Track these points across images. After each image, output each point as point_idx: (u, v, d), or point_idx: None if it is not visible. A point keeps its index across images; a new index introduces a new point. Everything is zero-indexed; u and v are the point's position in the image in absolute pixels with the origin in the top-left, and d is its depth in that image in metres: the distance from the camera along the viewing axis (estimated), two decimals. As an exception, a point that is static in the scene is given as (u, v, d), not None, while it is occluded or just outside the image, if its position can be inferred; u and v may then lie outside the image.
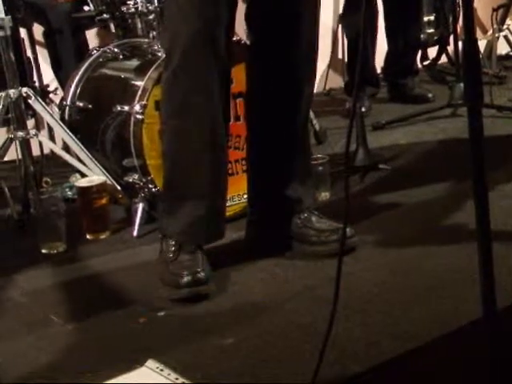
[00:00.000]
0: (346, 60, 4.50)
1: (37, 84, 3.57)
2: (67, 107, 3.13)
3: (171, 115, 2.22)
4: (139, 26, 3.16)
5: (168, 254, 2.20)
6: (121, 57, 3.11)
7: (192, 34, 2.11)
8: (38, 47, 3.69)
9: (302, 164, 2.41)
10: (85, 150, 2.91)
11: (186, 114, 2.17)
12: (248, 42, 2.42)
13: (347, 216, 1.69)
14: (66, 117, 3.12)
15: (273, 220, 2.41)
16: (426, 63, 4.80)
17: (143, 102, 2.73)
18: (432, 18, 4.58)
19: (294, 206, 2.38)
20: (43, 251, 2.61)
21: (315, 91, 4.80)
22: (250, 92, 2.44)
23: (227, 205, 2.72)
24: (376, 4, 4.17)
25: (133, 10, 3.12)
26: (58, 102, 3.42)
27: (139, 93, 2.77)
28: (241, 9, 2.28)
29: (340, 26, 4.70)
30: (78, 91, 3.12)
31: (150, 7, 3.08)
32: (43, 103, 3.01)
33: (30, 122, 3.25)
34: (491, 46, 4.65)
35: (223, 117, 2.24)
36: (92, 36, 3.94)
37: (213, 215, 2.25)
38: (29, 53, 3.53)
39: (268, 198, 2.41)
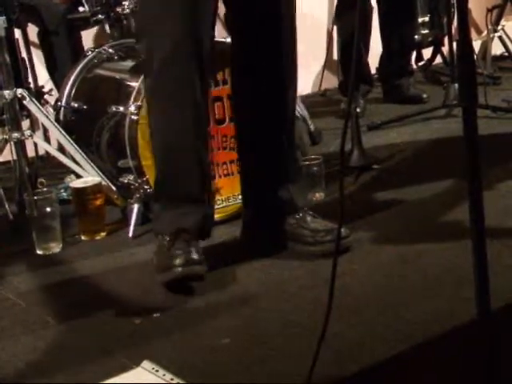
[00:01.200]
0: (339, 59, 4.50)
1: (32, 85, 3.57)
2: (62, 108, 3.13)
3: (159, 125, 2.26)
4: (134, 26, 3.16)
5: (163, 243, 2.22)
6: (116, 57, 3.12)
7: (175, 35, 2.11)
8: (32, 48, 3.69)
9: (291, 164, 2.41)
10: (80, 150, 2.91)
11: (172, 119, 2.21)
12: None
13: (342, 216, 1.69)
14: (61, 118, 3.12)
15: (267, 220, 2.41)
16: (420, 64, 4.81)
17: (138, 103, 2.73)
18: (427, 18, 4.59)
19: (288, 206, 2.38)
20: (38, 252, 2.61)
21: (310, 92, 4.87)
22: (235, 93, 2.46)
23: (223, 206, 2.74)
24: (370, 4, 4.18)
25: (128, 10, 3.12)
26: (52, 102, 3.42)
27: (134, 93, 2.77)
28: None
29: (335, 26, 4.71)
30: (73, 92, 3.13)
31: (145, 8, 3.07)
32: (38, 104, 3.00)
33: (25, 123, 3.24)
34: (486, 46, 4.66)
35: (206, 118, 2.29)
36: (87, 37, 3.94)
37: (202, 215, 2.28)
38: (24, 54, 3.53)
39: (261, 198, 2.42)
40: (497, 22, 4.74)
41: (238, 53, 2.37)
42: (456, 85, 3.74)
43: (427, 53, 4.83)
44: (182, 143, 2.22)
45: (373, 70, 4.42)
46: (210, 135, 2.41)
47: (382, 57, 4.39)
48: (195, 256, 2.15)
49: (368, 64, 4.32)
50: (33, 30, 3.74)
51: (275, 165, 2.39)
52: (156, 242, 2.29)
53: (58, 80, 3.57)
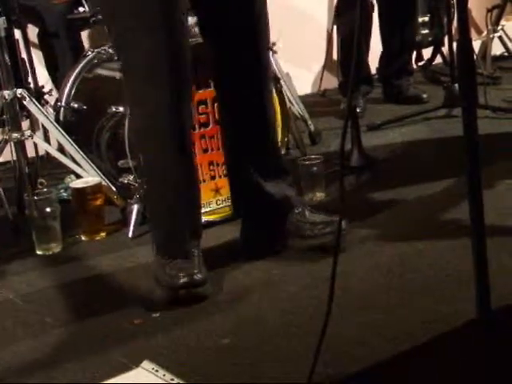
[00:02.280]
0: (339, 59, 4.50)
1: (31, 85, 3.56)
2: (62, 108, 3.12)
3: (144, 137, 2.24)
4: (134, 26, 3.16)
5: (164, 256, 2.19)
6: (115, 58, 3.11)
7: (156, 46, 2.08)
8: (32, 48, 3.68)
9: (275, 161, 2.41)
10: (80, 151, 2.91)
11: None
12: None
13: (343, 215, 1.70)
14: (61, 118, 3.12)
15: (265, 220, 2.40)
16: (420, 64, 4.81)
17: (138, 103, 2.73)
18: (427, 18, 4.59)
19: (284, 204, 2.38)
20: (38, 252, 2.61)
21: (310, 92, 4.87)
22: (217, 96, 2.45)
23: (223, 205, 2.74)
24: (371, 4, 4.18)
25: (128, 10, 3.11)
26: (52, 103, 3.42)
27: (134, 94, 2.77)
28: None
29: (335, 26, 4.71)
30: (73, 92, 3.12)
31: (145, 8, 3.07)
32: (38, 104, 3.00)
33: (25, 124, 3.24)
34: (486, 46, 4.66)
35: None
36: (87, 37, 3.94)
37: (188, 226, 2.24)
38: (23, 54, 3.53)
39: (250, 199, 2.41)
40: (497, 22, 4.74)
41: (215, 54, 2.35)
42: (456, 85, 3.74)
43: (427, 53, 4.82)
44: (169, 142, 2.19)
45: (372, 70, 4.41)
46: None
47: (381, 57, 4.39)
48: (198, 276, 2.10)
49: (368, 64, 4.31)
50: (33, 31, 3.74)
51: (258, 163, 2.37)
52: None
53: (57, 80, 3.57)
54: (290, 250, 2.36)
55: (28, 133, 2.92)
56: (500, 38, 4.75)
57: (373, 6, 4.21)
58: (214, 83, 2.48)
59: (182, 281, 2.09)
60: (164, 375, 1.71)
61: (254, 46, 2.29)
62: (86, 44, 3.81)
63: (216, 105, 2.59)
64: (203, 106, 2.69)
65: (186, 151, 2.21)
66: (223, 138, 2.49)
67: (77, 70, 3.14)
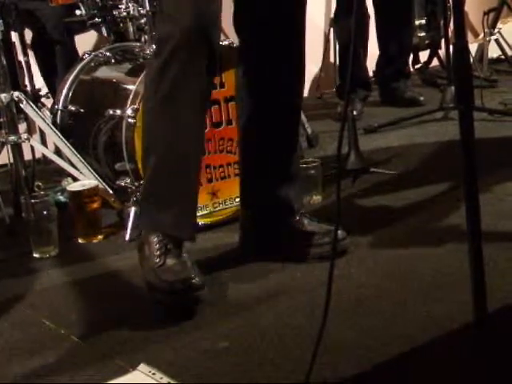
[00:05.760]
0: (337, 63, 4.52)
1: (28, 88, 3.57)
2: (59, 111, 3.13)
3: (155, 105, 2.17)
4: (131, 29, 3.17)
5: (154, 259, 2.12)
6: (112, 61, 3.11)
7: (187, 30, 2.08)
8: (29, 51, 3.69)
9: (293, 166, 2.41)
10: (77, 154, 2.91)
11: (172, 107, 2.14)
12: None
13: (339, 219, 1.70)
14: (58, 121, 3.12)
15: (265, 223, 2.41)
16: (417, 67, 4.82)
17: (135, 106, 2.74)
18: (423, 21, 4.61)
19: (286, 209, 2.38)
20: (35, 255, 2.61)
21: (307, 95, 4.87)
22: (241, 95, 2.43)
23: (220, 208, 2.74)
24: (366, 8, 4.19)
25: (124, 13, 3.12)
26: (49, 106, 3.42)
27: (131, 97, 2.77)
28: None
29: (332, 29, 4.72)
30: (70, 95, 3.12)
31: (142, 11, 3.07)
32: (35, 107, 3.00)
33: (22, 126, 3.25)
34: (482, 49, 4.67)
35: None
36: (83, 40, 3.94)
37: (193, 213, 2.24)
38: (20, 57, 3.53)
39: (260, 201, 2.41)
40: (493, 25, 4.75)
41: (246, 53, 2.35)
42: (453, 87, 3.74)
43: (424, 56, 4.84)
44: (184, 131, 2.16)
45: (370, 73, 4.42)
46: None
47: (378, 60, 4.39)
48: (196, 280, 2.05)
49: (366, 69, 4.32)
50: (30, 34, 3.74)
51: (277, 167, 2.38)
52: (141, 246, 2.20)
53: (53, 84, 3.57)
54: (287, 254, 2.36)
55: (25, 136, 2.91)
56: (497, 40, 4.76)
57: (368, 16, 4.22)
58: (239, 80, 2.41)
59: (178, 286, 2.05)
60: (161, 378, 1.70)
61: (287, 45, 2.29)
62: (83, 48, 3.80)
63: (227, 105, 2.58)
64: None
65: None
66: (240, 135, 2.44)
67: (74, 73, 3.14)
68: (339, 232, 2.23)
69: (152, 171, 2.19)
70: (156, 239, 2.14)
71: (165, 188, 2.18)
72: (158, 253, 2.13)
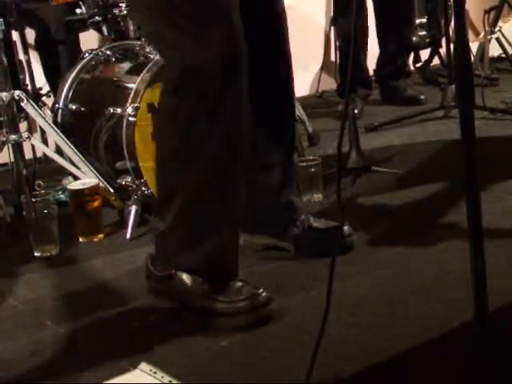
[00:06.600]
0: (338, 62, 4.52)
1: (29, 87, 3.57)
2: (60, 110, 3.12)
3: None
4: (131, 28, 3.17)
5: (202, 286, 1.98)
6: (113, 59, 3.11)
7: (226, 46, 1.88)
8: (30, 50, 3.69)
9: (291, 168, 2.40)
10: (77, 152, 2.91)
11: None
12: None
13: (343, 217, 1.70)
14: (59, 120, 3.12)
15: (268, 224, 2.39)
16: (418, 65, 4.82)
17: (136, 105, 2.74)
18: (424, 20, 4.60)
19: (290, 210, 2.37)
20: (36, 254, 2.61)
21: (308, 93, 4.87)
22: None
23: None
24: (366, 7, 4.19)
25: (125, 12, 3.12)
26: (50, 104, 3.42)
27: (131, 95, 2.77)
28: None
29: (332, 28, 4.72)
30: (71, 94, 3.12)
31: (143, 10, 3.07)
32: (36, 106, 3.00)
33: (23, 125, 3.25)
34: (483, 48, 4.66)
35: None
36: (84, 39, 3.94)
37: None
38: (21, 56, 3.53)
39: (262, 201, 2.40)
40: (494, 24, 4.74)
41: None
42: (453, 86, 3.74)
43: (425, 54, 4.83)
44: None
45: (370, 72, 4.42)
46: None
47: (379, 58, 4.39)
48: (266, 293, 1.95)
49: (367, 68, 4.32)
50: (31, 33, 3.74)
51: (277, 170, 2.36)
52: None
53: (55, 82, 3.57)
54: (288, 253, 2.36)
55: (26, 135, 2.92)
56: (497, 39, 4.75)
57: (366, 12, 4.22)
58: None
59: (261, 298, 1.94)
60: (162, 377, 1.70)
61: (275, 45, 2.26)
62: (84, 46, 3.80)
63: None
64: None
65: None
66: None
67: (74, 72, 3.14)
68: (346, 228, 2.27)
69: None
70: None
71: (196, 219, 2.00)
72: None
